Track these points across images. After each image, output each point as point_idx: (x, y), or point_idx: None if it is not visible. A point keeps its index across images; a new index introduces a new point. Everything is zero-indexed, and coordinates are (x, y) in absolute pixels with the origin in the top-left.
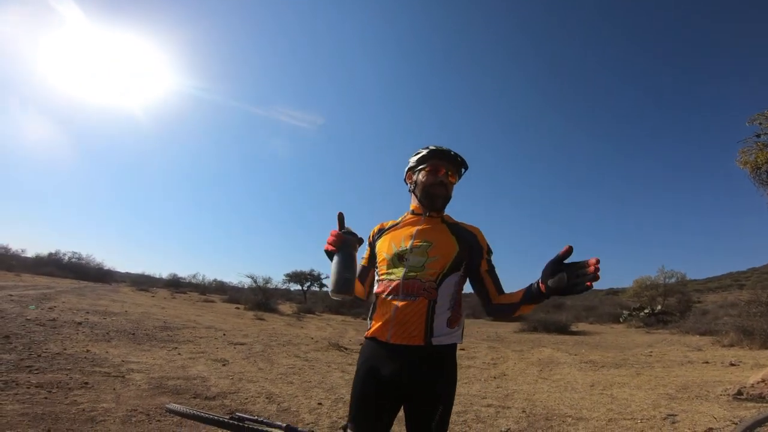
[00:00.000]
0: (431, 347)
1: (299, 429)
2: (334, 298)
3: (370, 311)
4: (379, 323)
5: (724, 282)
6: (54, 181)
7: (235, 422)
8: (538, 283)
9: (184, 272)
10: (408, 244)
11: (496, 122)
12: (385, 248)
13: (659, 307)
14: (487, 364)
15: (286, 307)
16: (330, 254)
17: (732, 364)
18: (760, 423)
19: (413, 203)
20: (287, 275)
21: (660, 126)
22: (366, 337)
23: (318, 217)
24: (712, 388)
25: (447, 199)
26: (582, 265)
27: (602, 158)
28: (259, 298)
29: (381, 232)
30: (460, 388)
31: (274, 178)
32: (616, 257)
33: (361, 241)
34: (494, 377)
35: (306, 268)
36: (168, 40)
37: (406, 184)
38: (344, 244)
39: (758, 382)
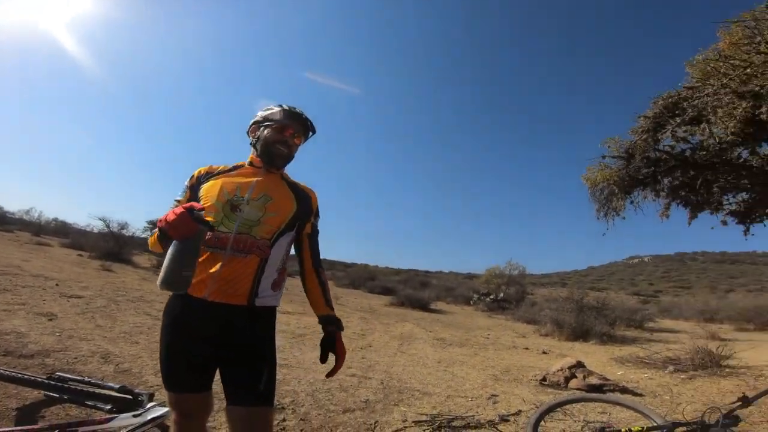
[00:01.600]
0: (254, 308)
1: (137, 390)
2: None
3: None
4: (197, 278)
5: (553, 279)
6: None
7: (54, 382)
8: (326, 325)
9: (14, 206)
10: (245, 194)
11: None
12: (214, 193)
13: (501, 295)
14: (356, 335)
15: (143, 259)
16: (166, 235)
17: (544, 352)
18: (551, 408)
19: (252, 155)
20: (150, 222)
21: (536, 142)
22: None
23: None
24: (526, 373)
25: (289, 159)
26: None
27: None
28: (110, 246)
29: (209, 175)
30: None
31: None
32: (480, 246)
33: (212, 230)
34: (361, 348)
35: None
36: None
37: (248, 137)
38: (195, 235)
39: (557, 371)
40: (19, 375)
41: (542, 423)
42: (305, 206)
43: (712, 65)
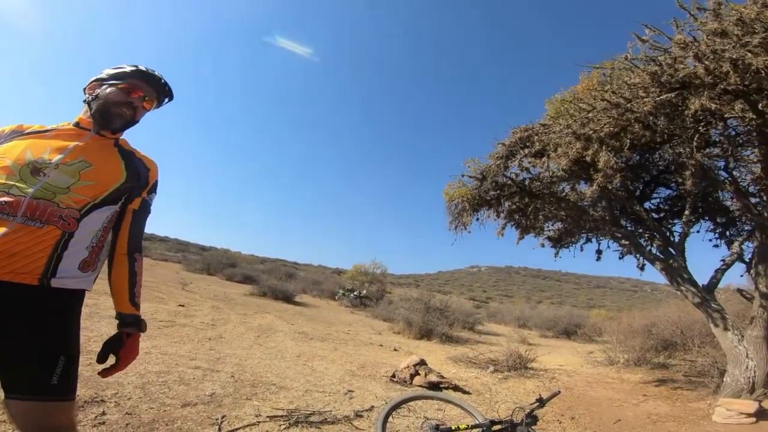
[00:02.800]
0: (48, 289)
1: None
2: None
3: None
4: None
5: (408, 280)
6: None
7: None
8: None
9: None
10: (54, 158)
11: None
12: (14, 153)
13: (364, 292)
14: (205, 325)
15: None
16: None
17: (395, 350)
18: (397, 405)
19: (83, 115)
20: None
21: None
22: None
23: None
24: (379, 369)
25: (130, 123)
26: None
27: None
28: None
29: (15, 134)
30: (168, 348)
31: None
32: (352, 243)
33: None
34: (210, 339)
35: None
36: None
37: (84, 93)
38: None
39: (404, 368)
40: None
41: (390, 419)
42: (138, 179)
43: (565, 106)
